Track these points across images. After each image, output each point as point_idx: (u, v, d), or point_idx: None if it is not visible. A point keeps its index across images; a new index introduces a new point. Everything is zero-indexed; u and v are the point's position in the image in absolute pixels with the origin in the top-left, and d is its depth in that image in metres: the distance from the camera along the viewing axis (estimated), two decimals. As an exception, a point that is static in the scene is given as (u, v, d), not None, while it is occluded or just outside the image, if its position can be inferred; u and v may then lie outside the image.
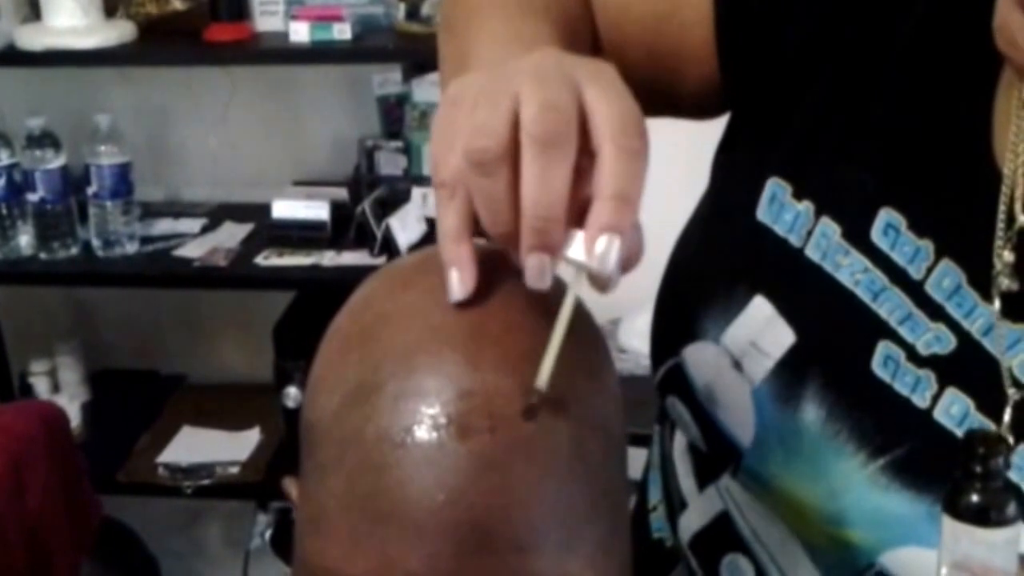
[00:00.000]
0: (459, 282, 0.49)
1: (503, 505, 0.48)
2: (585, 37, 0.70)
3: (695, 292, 0.70)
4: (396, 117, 2.09)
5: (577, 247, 0.47)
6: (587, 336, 0.55)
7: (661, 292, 0.73)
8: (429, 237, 1.93)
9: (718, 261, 0.69)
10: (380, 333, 0.52)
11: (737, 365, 0.67)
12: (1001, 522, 0.52)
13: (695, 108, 0.73)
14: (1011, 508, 0.52)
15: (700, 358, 0.70)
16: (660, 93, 0.70)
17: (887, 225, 0.63)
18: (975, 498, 0.52)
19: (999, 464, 0.52)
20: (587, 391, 0.52)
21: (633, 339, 1.94)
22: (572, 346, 0.51)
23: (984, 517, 0.52)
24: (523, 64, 0.49)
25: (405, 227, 1.90)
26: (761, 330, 0.66)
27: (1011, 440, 0.61)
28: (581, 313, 0.55)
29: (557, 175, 0.46)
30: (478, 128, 0.47)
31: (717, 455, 0.71)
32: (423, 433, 0.48)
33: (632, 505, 0.85)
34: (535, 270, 0.47)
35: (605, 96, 0.47)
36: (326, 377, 0.54)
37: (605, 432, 0.53)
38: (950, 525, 0.53)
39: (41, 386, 2.16)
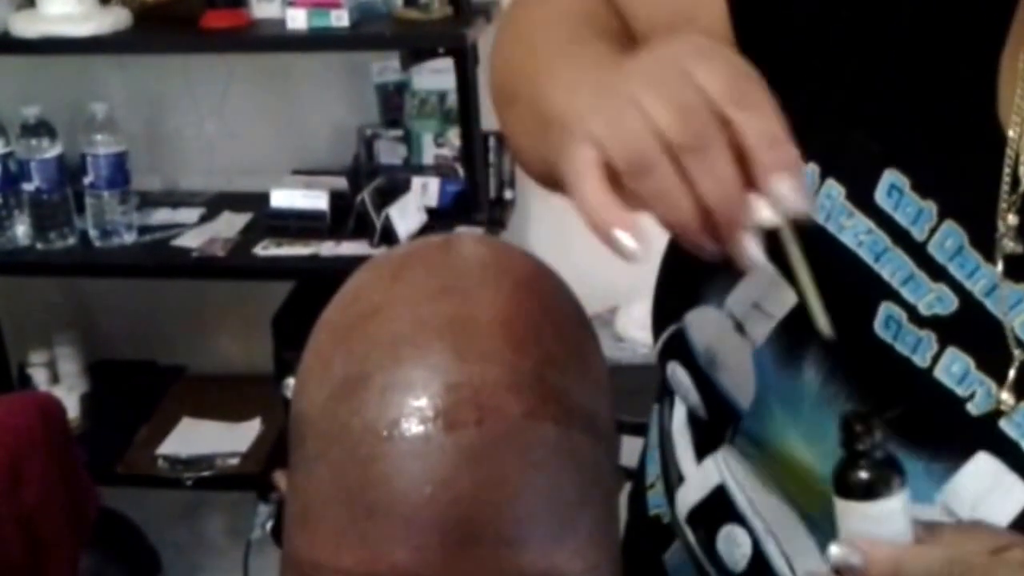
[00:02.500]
0: (631, 238, 0.48)
1: (490, 498, 0.48)
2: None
3: (698, 257, 0.70)
4: (395, 105, 2.07)
5: (762, 207, 0.48)
6: (574, 324, 0.55)
7: (664, 261, 0.73)
8: (429, 227, 1.92)
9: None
10: (368, 325, 0.52)
11: (739, 327, 0.67)
12: (882, 494, 0.53)
13: None
14: (893, 481, 0.53)
15: (702, 322, 0.69)
16: None
17: (891, 186, 0.63)
18: (856, 475, 0.53)
19: (876, 439, 0.53)
20: (575, 381, 0.52)
21: (631, 328, 1.94)
22: (561, 335, 0.52)
23: (869, 492, 0.53)
24: (629, 74, 0.50)
25: (405, 217, 1.89)
26: (764, 291, 0.66)
27: (1012, 399, 0.61)
28: (569, 301, 0.56)
29: (723, 166, 0.47)
30: (622, 140, 0.47)
31: (716, 420, 0.71)
32: (410, 425, 0.48)
33: (627, 490, 0.85)
34: (746, 252, 0.48)
35: (709, 69, 0.48)
36: (314, 369, 0.54)
37: (593, 422, 0.52)
38: (839, 505, 0.54)
39: (40, 377, 2.15)
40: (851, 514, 0.54)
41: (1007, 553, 0.56)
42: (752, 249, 0.48)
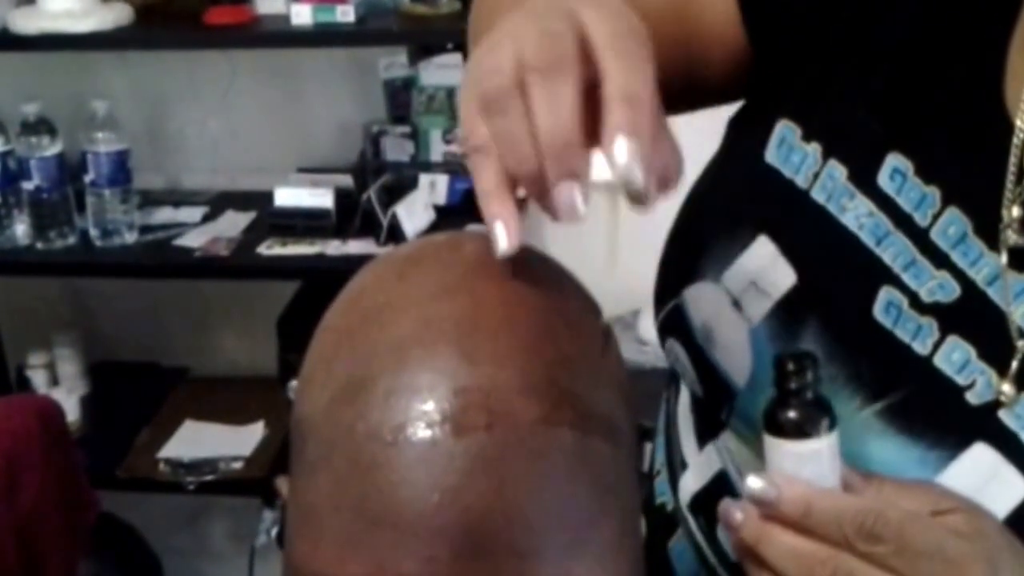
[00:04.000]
0: (505, 234, 0.47)
1: (501, 507, 0.46)
2: None
3: (700, 232, 0.70)
4: (402, 101, 2.05)
5: (600, 167, 0.45)
6: (590, 325, 0.53)
7: (669, 237, 0.73)
8: (437, 225, 1.90)
9: (724, 201, 0.69)
10: (371, 326, 0.50)
11: (736, 305, 0.67)
12: (809, 435, 0.54)
13: (723, 92, 0.73)
14: (821, 423, 0.54)
15: (700, 297, 0.69)
16: (689, 83, 0.72)
17: (894, 170, 0.63)
18: (785, 413, 0.54)
19: (808, 380, 0.54)
20: (590, 384, 0.51)
21: (654, 331, 1.90)
22: (575, 337, 0.51)
23: (795, 431, 0.54)
24: (520, 12, 0.49)
25: (412, 215, 1.87)
26: (762, 270, 0.66)
27: (1014, 390, 0.61)
28: (584, 301, 0.54)
29: (564, 97, 0.45)
30: (484, 72, 0.46)
31: (712, 399, 0.71)
32: (416, 431, 0.47)
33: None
34: (565, 201, 0.46)
35: (599, 16, 0.46)
36: (316, 372, 0.52)
37: (611, 427, 0.51)
38: (767, 441, 0.55)
39: (39, 379, 2.13)
40: (777, 451, 0.55)
41: (944, 517, 0.54)
42: (572, 199, 0.45)
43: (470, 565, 0.46)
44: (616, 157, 0.44)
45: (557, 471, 0.47)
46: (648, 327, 1.93)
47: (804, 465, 0.54)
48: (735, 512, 0.55)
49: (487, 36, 0.50)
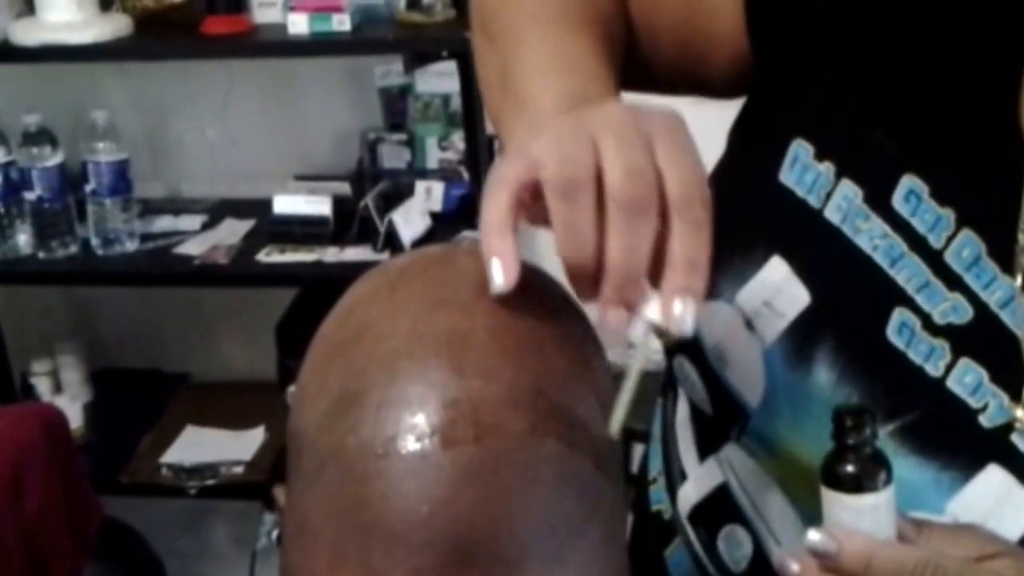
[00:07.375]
0: (502, 273, 0.48)
1: (489, 517, 0.47)
2: (620, 37, 0.71)
3: (712, 251, 0.69)
4: (399, 109, 2.07)
5: (653, 307, 0.49)
6: (578, 338, 0.54)
7: None
8: (433, 231, 1.91)
9: (737, 221, 0.68)
10: (364, 339, 0.51)
11: (750, 325, 0.67)
12: (867, 489, 0.55)
13: (724, 88, 0.73)
14: (879, 477, 0.55)
15: (712, 317, 0.69)
16: (690, 76, 0.73)
17: (909, 192, 0.63)
18: (844, 468, 0.55)
19: (867, 435, 0.55)
20: (577, 395, 0.51)
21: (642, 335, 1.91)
22: (564, 348, 0.51)
23: (854, 485, 0.55)
24: (600, 117, 0.50)
25: (409, 222, 1.88)
26: (776, 290, 0.66)
27: None
28: (573, 313, 0.55)
29: (641, 239, 0.47)
30: (563, 158, 0.47)
31: (722, 418, 0.71)
32: (406, 443, 0.47)
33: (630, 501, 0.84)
34: (614, 326, 0.48)
35: (674, 160, 0.49)
36: (310, 384, 0.53)
37: (596, 438, 0.51)
38: (824, 494, 0.56)
39: (42, 386, 2.14)
40: (836, 504, 0.55)
41: (991, 562, 0.55)
42: (621, 325, 0.49)
43: (458, 574, 0.46)
44: (674, 314, 0.49)
45: (543, 481, 0.48)
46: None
47: (862, 518, 0.55)
48: (791, 564, 0.56)
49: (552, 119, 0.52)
